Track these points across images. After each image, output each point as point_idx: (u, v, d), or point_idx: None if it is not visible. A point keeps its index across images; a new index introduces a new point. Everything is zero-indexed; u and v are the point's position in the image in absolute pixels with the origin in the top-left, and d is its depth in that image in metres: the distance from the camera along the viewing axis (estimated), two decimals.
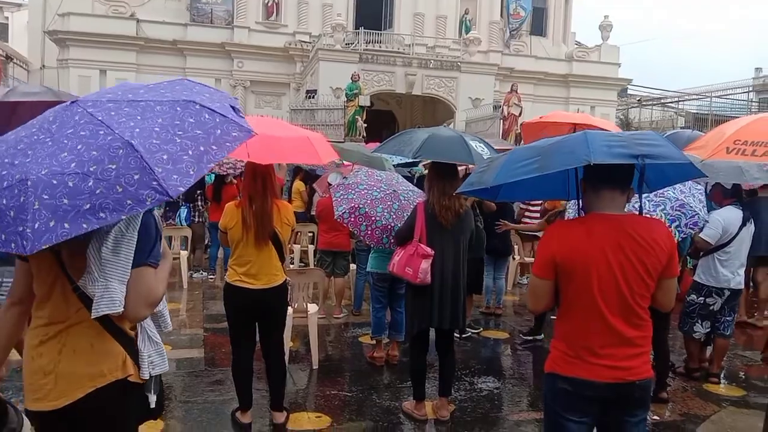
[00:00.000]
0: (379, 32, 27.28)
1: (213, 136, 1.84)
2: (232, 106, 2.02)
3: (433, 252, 4.12)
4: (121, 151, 1.70)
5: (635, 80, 33.47)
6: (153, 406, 2.16)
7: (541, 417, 4.25)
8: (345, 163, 8.40)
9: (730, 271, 5.22)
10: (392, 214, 4.82)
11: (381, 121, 23.02)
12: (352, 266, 7.50)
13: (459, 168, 5.20)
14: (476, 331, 6.76)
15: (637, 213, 2.59)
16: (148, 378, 2.13)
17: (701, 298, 5.29)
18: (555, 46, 32.07)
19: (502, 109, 22.02)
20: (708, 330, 5.39)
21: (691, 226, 4.38)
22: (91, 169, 1.66)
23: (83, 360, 1.99)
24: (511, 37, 30.78)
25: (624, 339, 2.37)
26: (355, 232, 5.00)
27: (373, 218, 4.85)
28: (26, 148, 1.80)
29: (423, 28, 29.03)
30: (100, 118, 1.81)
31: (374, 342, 5.74)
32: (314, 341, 5.48)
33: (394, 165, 7.12)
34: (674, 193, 4.37)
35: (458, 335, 6.29)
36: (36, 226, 1.61)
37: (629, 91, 36.26)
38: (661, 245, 2.37)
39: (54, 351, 1.99)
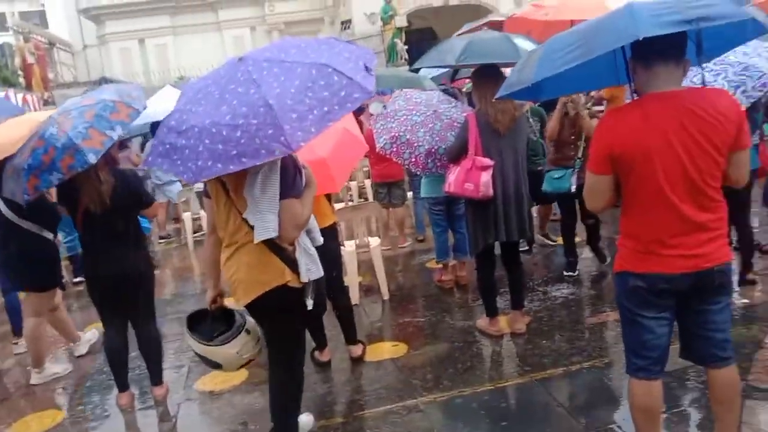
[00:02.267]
0: None
1: (337, 97, 2.22)
2: (365, 66, 2.37)
3: (493, 162, 3.93)
4: (262, 109, 2.14)
5: None
6: (310, 308, 2.68)
7: (615, 318, 4.19)
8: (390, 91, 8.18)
9: None
10: (435, 136, 4.62)
11: (422, 40, 22.19)
12: (409, 194, 7.38)
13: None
14: (554, 243, 6.47)
15: (697, 87, 2.32)
16: (306, 282, 2.64)
17: None
18: None
19: None
20: None
21: (759, 87, 3.96)
22: (240, 122, 2.14)
23: (253, 270, 2.60)
24: None
25: (696, 224, 2.18)
26: (399, 161, 4.84)
27: (415, 144, 4.65)
28: (201, 98, 2.35)
29: None
30: (255, 77, 2.27)
31: (441, 266, 5.68)
32: (381, 273, 5.47)
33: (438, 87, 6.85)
34: (735, 57, 3.94)
35: (527, 247, 6.16)
36: (200, 163, 2.17)
37: None
38: (727, 116, 2.12)
39: (235, 265, 2.64)
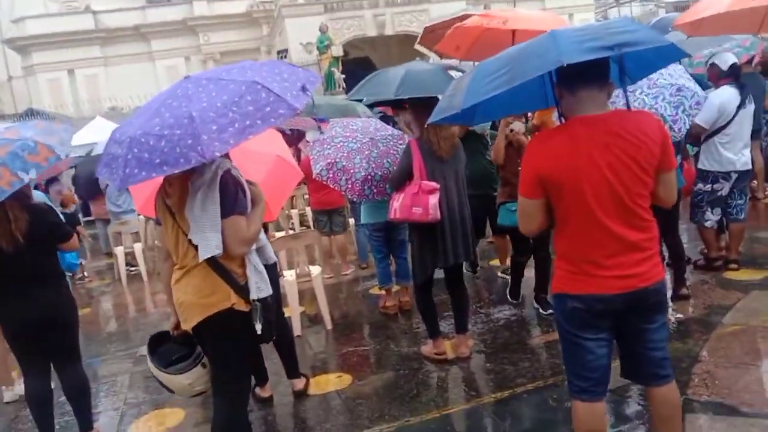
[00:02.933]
0: None
1: (261, 112, 2.31)
2: (303, 86, 2.47)
3: (439, 186, 3.95)
4: (186, 120, 2.26)
5: None
6: (259, 332, 2.65)
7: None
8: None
9: (734, 153, 5.02)
10: (371, 162, 4.62)
11: (359, 68, 22.44)
12: (351, 220, 7.35)
13: None
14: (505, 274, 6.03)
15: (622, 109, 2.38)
16: (255, 299, 2.63)
17: (708, 185, 5.12)
18: None
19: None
20: (719, 217, 5.24)
21: (695, 106, 4.14)
22: (166, 133, 2.26)
23: (199, 293, 2.62)
24: None
25: (629, 244, 2.21)
26: (336, 188, 4.82)
27: (351, 171, 4.65)
28: (142, 111, 2.53)
29: None
30: (190, 93, 2.40)
31: (384, 292, 5.63)
32: (323, 303, 5.37)
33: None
34: (665, 79, 4.13)
35: (471, 270, 6.19)
36: (127, 171, 2.28)
37: None
38: (651, 137, 2.18)
39: (182, 287, 2.67)
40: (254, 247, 2.73)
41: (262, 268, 2.74)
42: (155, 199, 2.82)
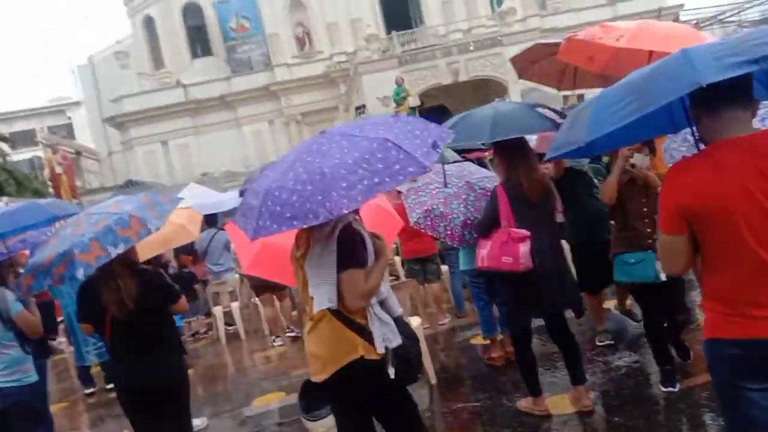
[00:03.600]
0: (412, 31, 27.00)
1: (390, 170, 2.34)
2: (434, 142, 2.52)
3: (529, 233, 3.74)
4: (318, 177, 2.31)
5: (688, 2, 31.42)
6: (392, 376, 2.59)
7: (702, 382, 3.84)
8: None
9: None
10: (469, 206, 4.46)
11: (435, 117, 22.61)
12: (444, 268, 7.16)
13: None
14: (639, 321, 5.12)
15: None
16: (383, 352, 2.58)
17: None
18: None
19: None
20: None
21: None
22: (298, 187, 2.32)
23: (327, 345, 2.63)
24: None
25: None
26: (435, 235, 4.67)
27: (449, 216, 4.50)
28: (279, 165, 2.64)
29: (454, 14, 28.58)
30: (324, 149, 2.49)
31: (488, 342, 5.37)
32: (425, 356, 5.17)
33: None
34: None
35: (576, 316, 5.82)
36: (260, 222, 2.36)
37: (683, 17, 34.13)
38: None
39: (313, 339, 2.69)
40: (375, 300, 2.68)
41: (388, 318, 2.70)
42: (291, 253, 2.85)
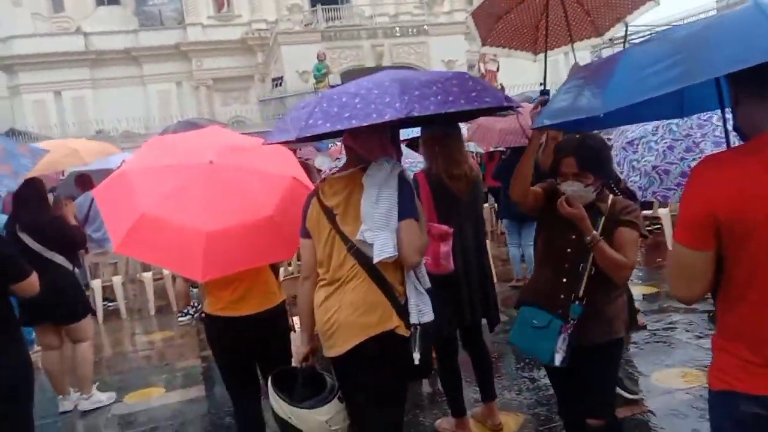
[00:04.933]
0: (338, 7, 26.12)
1: (466, 94, 2.18)
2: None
3: (452, 230, 3.21)
4: (387, 83, 2.16)
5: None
6: (416, 362, 2.28)
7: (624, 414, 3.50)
8: (333, 144, 7.50)
9: None
10: None
11: None
12: None
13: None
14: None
15: None
16: (416, 324, 2.31)
17: None
18: None
19: (479, 67, 21.07)
20: None
21: None
22: (362, 92, 2.15)
23: (357, 311, 2.30)
24: None
25: None
26: None
27: None
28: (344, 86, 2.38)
29: None
30: (395, 70, 2.40)
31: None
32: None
33: None
34: None
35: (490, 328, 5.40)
36: (310, 122, 2.15)
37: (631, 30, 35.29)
38: None
39: (336, 305, 2.34)
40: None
41: (422, 289, 2.41)
42: (305, 208, 2.51)
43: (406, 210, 2.31)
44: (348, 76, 23.06)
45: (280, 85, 22.47)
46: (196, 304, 7.12)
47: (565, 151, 2.51)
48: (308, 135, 2.17)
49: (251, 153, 3.00)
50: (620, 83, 1.55)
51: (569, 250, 2.55)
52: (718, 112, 2.20)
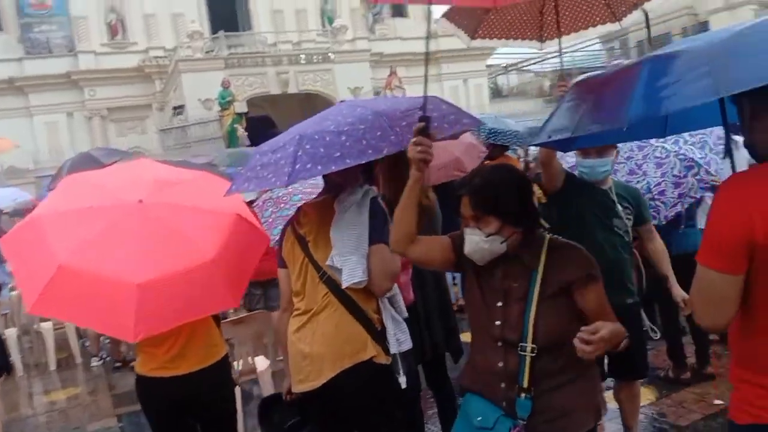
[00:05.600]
0: (240, 34, 25.63)
1: (446, 118, 2.20)
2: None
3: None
4: (370, 117, 2.17)
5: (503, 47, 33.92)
6: (404, 386, 2.24)
7: None
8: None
9: None
10: None
11: (258, 127, 21.46)
12: None
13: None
14: None
15: None
16: (395, 353, 2.26)
17: None
18: (418, 26, 31.84)
19: (384, 94, 21.29)
20: None
21: (717, 142, 3.57)
22: (345, 129, 2.12)
23: (330, 342, 2.23)
24: (375, 21, 30.20)
25: None
26: None
27: None
28: (300, 126, 2.33)
29: (284, 25, 27.75)
30: (359, 104, 2.40)
31: None
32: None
33: None
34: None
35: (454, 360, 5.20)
36: (297, 167, 2.05)
37: (497, 60, 36.89)
38: None
39: (308, 335, 2.29)
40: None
41: (399, 317, 2.37)
42: (282, 237, 2.47)
43: (376, 234, 2.25)
44: (253, 103, 22.56)
45: (181, 113, 21.63)
46: (104, 356, 6.52)
47: (462, 186, 2.00)
48: (301, 180, 2.12)
49: (186, 188, 2.67)
50: (651, 91, 1.40)
51: (498, 322, 1.94)
52: None
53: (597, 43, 38.90)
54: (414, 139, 1.93)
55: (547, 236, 2.01)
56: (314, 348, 2.24)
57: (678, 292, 3.14)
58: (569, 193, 3.08)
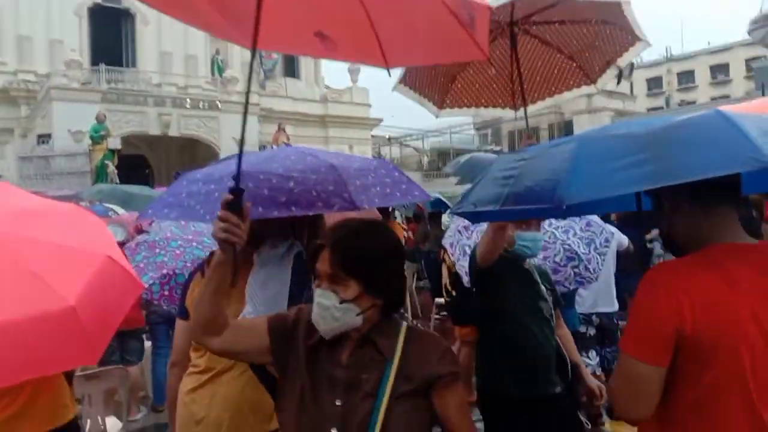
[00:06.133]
0: (122, 69, 24.52)
1: (399, 187, 2.18)
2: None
3: None
4: (323, 169, 2.06)
5: (388, 120, 35.30)
6: None
7: None
8: (121, 213, 6.62)
9: None
10: None
11: (130, 166, 20.31)
12: (147, 345, 5.67)
13: None
14: None
15: None
16: None
17: None
18: (309, 88, 32.36)
19: (272, 148, 21.05)
20: None
21: (604, 244, 3.74)
22: (294, 175, 2.00)
23: (232, 407, 2.05)
24: (266, 78, 30.24)
25: None
26: (173, 309, 3.44)
27: None
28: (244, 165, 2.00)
29: (171, 67, 27.03)
30: (308, 152, 2.24)
31: None
32: None
33: None
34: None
35: None
36: None
37: (382, 131, 38.16)
38: None
39: (206, 398, 2.10)
40: None
41: None
42: (185, 284, 2.34)
43: (298, 295, 2.04)
44: (129, 141, 21.41)
45: (47, 143, 20.04)
46: None
47: (324, 237, 1.70)
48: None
49: (49, 221, 2.32)
50: (586, 173, 1.37)
51: (333, 429, 1.54)
52: None
53: (471, 129, 41.70)
54: (220, 214, 1.59)
55: (404, 323, 1.67)
56: (212, 412, 2.04)
57: (592, 381, 2.85)
58: (501, 271, 2.68)
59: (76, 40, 25.26)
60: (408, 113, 32.41)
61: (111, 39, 26.42)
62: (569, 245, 3.62)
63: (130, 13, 26.62)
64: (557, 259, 3.60)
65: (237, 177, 1.66)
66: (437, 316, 8.46)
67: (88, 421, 3.64)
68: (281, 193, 1.92)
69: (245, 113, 1.87)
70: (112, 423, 3.84)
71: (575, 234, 3.62)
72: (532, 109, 3.36)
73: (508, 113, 3.48)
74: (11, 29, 24.63)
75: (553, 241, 3.61)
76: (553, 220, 3.59)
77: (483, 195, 1.67)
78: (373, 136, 35.22)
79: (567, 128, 33.65)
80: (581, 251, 3.62)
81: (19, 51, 24.77)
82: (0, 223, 2.16)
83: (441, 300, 8.73)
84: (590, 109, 34.34)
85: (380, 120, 34.28)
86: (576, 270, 3.57)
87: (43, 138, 20.25)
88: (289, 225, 2.21)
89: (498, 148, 34.56)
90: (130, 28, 27.16)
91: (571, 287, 3.70)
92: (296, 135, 28.27)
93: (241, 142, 1.85)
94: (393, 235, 1.77)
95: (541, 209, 1.50)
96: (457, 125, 40.33)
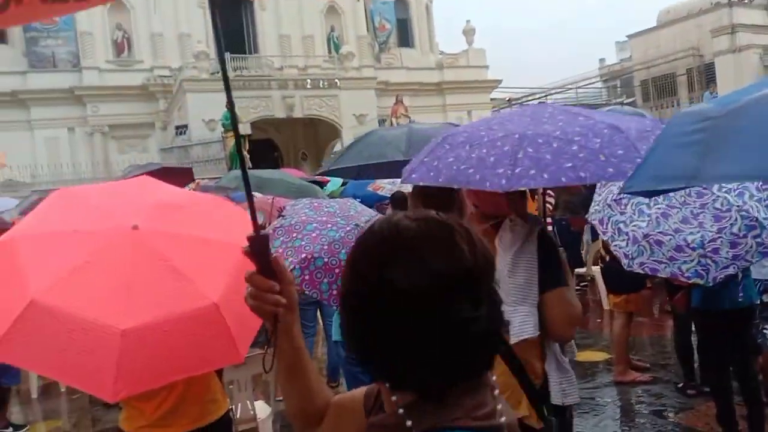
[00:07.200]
0: (246, 56, 25.49)
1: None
2: None
3: None
4: (606, 130, 1.87)
5: (507, 81, 33.99)
6: None
7: None
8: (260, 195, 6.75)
9: None
10: None
11: (260, 150, 21.17)
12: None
13: None
14: None
15: None
16: (559, 404, 2.01)
17: None
18: (424, 56, 31.90)
19: (391, 122, 21.05)
20: None
21: None
22: (575, 138, 1.85)
23: None
24: (381, 50, 30.23)
25: None
26: (314, 294, 3.38)
27: (336, 270, 3.28)
28: (504, 122, 2.06)
29: (291, 49, 27.72)
30: (574, 111, 2.11)
31: None
32: None
33: None
34: None
35: None
36: (518, 171, 1.81)
37: (501, 94, 36.88)
38: None
39: None
40: None
41: (568, 365, 2.08)
42: None
43: (553, 277, 1.97)
44: (257, 126, 22.33)
45: (184, 133, 21.37)
46: None
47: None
48: (523, 187, 1.87)
49: (191, 214, 2.28)
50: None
51: None
52: None
53: (598, 81, 39.17)
54: (245, 275, 1.20)
55: None
56: None
57: None
58: None
59: (202, 31, 26.55)
60: (527, 71, 31.07)
61: (234, 27, 27.49)
62: (746, 211, 3.10)
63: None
64: (735, 230, 3.07)
65: (254, 217, 1.19)
66: (577, 287, 7.98)
67: (239, 405, 3.71)
68: (565, 159, 1.78)
69: (237, 133, 1.50)
70: (262, 408, 3.90)
71: (751, 196, 3.09)
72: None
73: None
74: (144, 28, 26.38)
75: (727, 208, 3.11)
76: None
77: (663, 168, 1.36)
78: (492, 99, 34.18)
79: (708, 72, 30.37)
80: (761, 216, 3.09)
81: (153, 48, 26.50)
82: (145, 218, 2.14)
83: (580, 270, 8.24)
84: (734, 47, 30.96)
85: (499, 81, 33.15)
86: (758, 239, 3.04)
87: (181, 129, 21.60)
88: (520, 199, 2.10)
89: (630, 100, 31.93)
90: (250, 14, 28.10)
91: (754, 260, 3.17)
92: (413, 105, 28.07)
93: (241, 157, 1.39)
94: None
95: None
96: (582, 79, 38.17)
